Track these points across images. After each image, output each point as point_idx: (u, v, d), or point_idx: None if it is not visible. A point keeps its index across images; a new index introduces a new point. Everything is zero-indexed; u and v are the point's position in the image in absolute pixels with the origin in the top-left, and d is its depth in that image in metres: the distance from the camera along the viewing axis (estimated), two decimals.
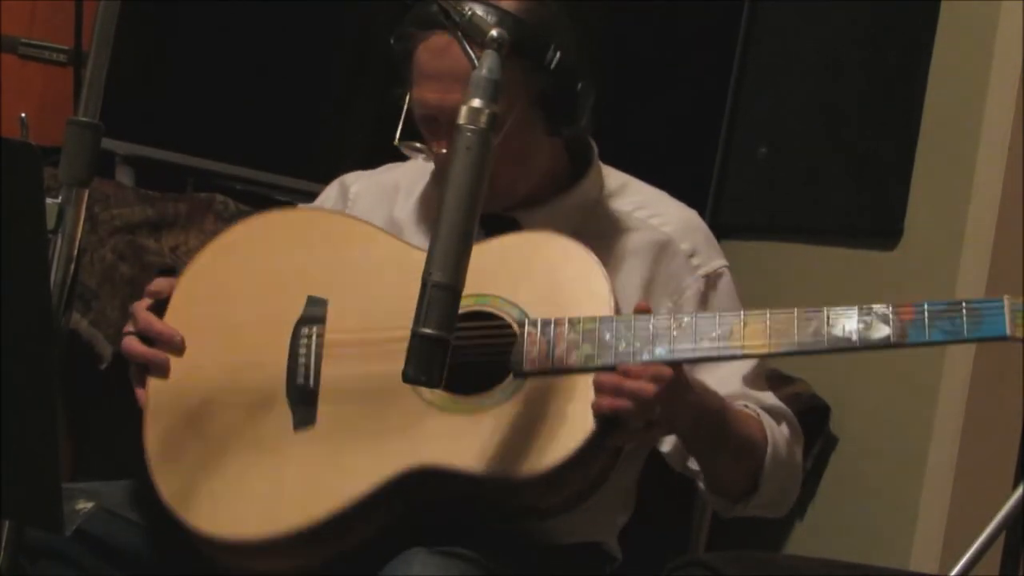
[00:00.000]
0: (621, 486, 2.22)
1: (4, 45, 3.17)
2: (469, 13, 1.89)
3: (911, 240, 3.20)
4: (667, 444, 2.13)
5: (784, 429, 2.13)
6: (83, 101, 1.78)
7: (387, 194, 2.27)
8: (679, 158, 3.60)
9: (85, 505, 2.01)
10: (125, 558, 2.06)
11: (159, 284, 2.13)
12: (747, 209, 3.63)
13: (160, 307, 2.11)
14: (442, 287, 1.77)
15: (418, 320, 1.77)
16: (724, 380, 2.10)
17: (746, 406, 2.11)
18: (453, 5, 1.90)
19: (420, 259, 1.80)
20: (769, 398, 2.15)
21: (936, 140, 3.18)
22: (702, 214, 2.27)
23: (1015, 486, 1.81)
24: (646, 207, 2.21)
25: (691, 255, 2.17)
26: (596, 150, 2.22)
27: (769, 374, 2.25)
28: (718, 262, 2.20)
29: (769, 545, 3.30)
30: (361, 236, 2.14)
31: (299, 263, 2.12)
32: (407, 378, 1.77)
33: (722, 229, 3.47)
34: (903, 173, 3.21)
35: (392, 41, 2.12)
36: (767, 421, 2.10)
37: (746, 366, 2.15)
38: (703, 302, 2.16)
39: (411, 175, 2.28)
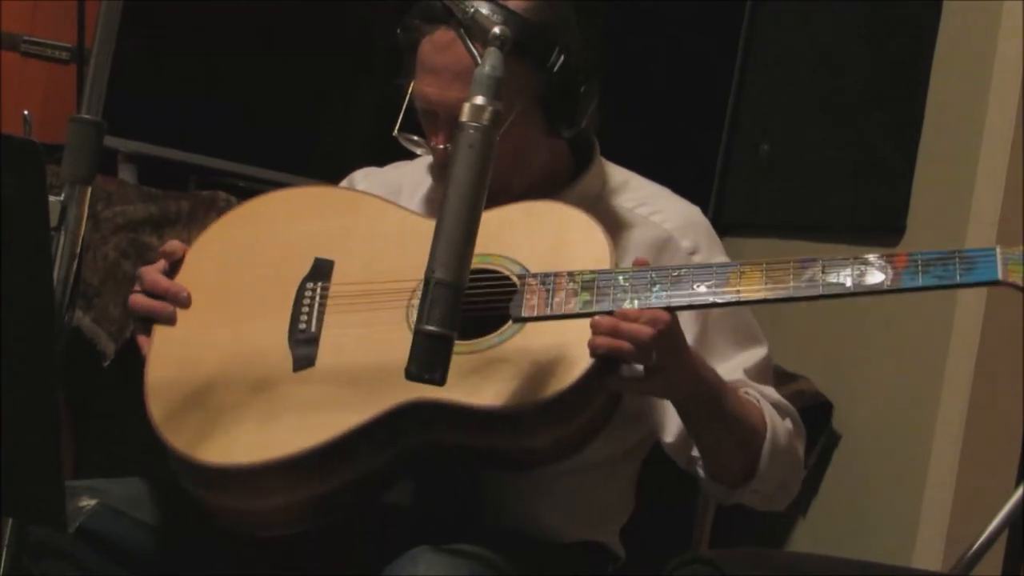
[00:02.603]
0: (621, 484, 2.22)
1: (6, 42, 3.17)
2: (472, 10, 1.90)
3: (914, 237, 3.19)
4: (670, 435, 2.13)
5: (787, 423, 2.12)
6: (86, 98, 1.78)
7: (392, 192, 2.28)
8: (682, 155, 3.59)
9: (88, 503, 2.01)
10: (128, 556, 2.06)
11: (172, 245, 2.15)
12: (750, 206, 3.63)
13: (172, 269, 2.13)
14: (445, 284, 1.77)
15: (421, 317, 1.77)
16: (727, 373, 2.10)
17: (747, 392, 2.11)
18: (457, 3, 1.90)
19: (427, 227, 1.81)
20: (772, 393, 2.14)
21: (939, 137, 3.18)
22: (705, 211, 2.26)
23: (1017, 484, 1.81)
24: (647, 204, 2.21)
25: (692, 252, 2.17)
26: (598, 147, 2.22)
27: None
28: (719, 260, 2.18)
29: (772, 542, 3.30)
30: (371, 207, 2.17)
31: (309, 231, 2.15)
32: (410, 376, 1.77)
33: (725, 226, 3.48)
34: (906, 170, 3.21)
35: (399, 31, 2.13)
36: (768, 409, 2.10)
37: (750, 360, 2.15)
38: None
39: (416, 174, 2.29)
